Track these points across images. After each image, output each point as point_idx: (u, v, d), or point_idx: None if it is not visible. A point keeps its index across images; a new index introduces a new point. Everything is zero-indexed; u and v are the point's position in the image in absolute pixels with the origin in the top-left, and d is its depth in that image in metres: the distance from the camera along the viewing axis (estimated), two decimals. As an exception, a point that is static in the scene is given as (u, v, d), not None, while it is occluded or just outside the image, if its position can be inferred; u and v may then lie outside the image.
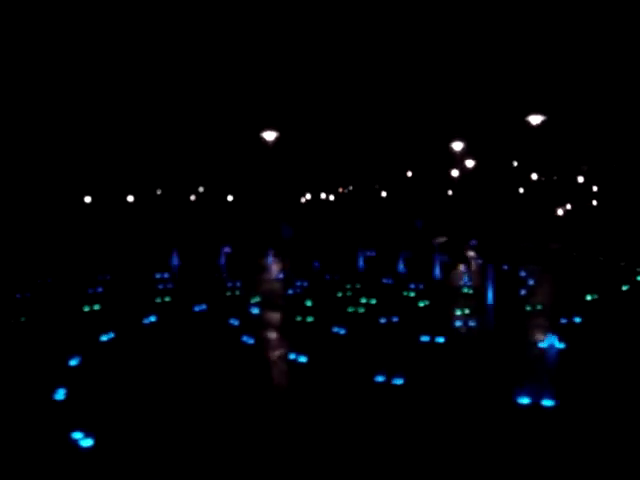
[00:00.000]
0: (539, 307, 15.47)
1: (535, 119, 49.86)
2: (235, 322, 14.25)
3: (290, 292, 18.29)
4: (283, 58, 70.33)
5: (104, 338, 12.89)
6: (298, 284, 19.30)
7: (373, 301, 16.48)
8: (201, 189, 78.95)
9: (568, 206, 58.14)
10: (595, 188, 68.57)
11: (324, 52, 71.52)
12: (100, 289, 18.79)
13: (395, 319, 14.34)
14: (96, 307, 16.04)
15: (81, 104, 64.98)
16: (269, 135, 56.44)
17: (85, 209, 62.14)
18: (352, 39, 72.79)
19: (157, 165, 72.27)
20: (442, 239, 33.66)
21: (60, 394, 9.35)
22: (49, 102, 62.05)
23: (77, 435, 7.83)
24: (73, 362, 11.07)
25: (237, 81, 70.79)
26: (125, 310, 15.70)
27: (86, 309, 15.88)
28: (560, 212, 52.96)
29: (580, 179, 71.54)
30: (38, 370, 10.71)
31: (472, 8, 68.79)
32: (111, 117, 67.58)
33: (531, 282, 19.20)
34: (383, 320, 14.27)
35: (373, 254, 26.13)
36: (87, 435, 7.83)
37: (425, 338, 12.51)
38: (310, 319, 14.49)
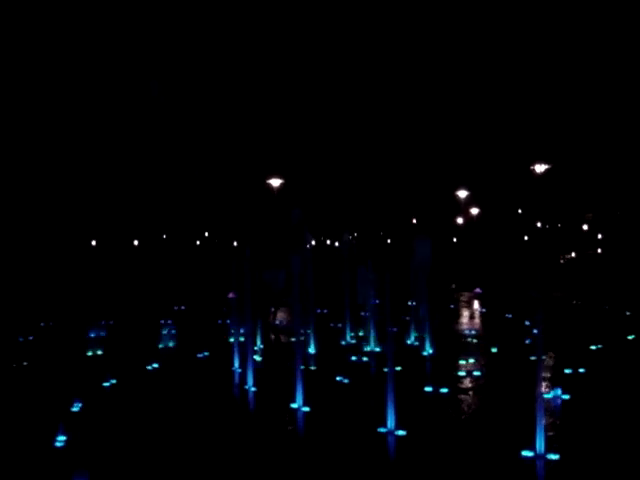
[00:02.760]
0: (543, 357, 15.39)
1: (540, 167, 50.20)
2: (238, 369, 14.21)
3: (293, 339, 18.21)
4: (289, 106, 71.00)
5: (106, 384, 12.85)
6: (302, 331, 19.24)
7: (377, 349, 16.42)
8: (206, 234, 79.17)
9: (573, 254, 58.13)
10: (600, 236, 68.61)
11: (328, 101, 72.23)
12: (103, 333, 18.76)
13: (398, 368, 14.27)
14: (99, 352, 16.01)
15: (89, 147, 65.50)
16: (274, 182, 56.78)
17: (90, 252, 62.28)
18: (356, 87, 73.53)
19: (163, 210, 72.57)
20: (450, 286, 33.63)
21: (60, 441, 9.30)
22: (53, 141, 62.53)
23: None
24: (75, 408, 11.03)
25: (243, 128, 71.41)
26: (128, 356, 15.66)
27: (89, 354, 15.85)
28: (564, 259, 52.94)
29: (585, 227, 71.62)
30: (39, 415, 10.67)
31: (478, 56, 69.54)
32: (119, 161, 68.08)
33: (535, 331, 19.13)
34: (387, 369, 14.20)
35: (376, 302, 26.06)
36: (87, 483, 7.77)
37: (429, 388, 12.44)
38: (313, 367, 14.43)
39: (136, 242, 71.87)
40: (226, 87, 71.29)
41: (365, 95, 73.41)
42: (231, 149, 72.17)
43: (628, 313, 21.48)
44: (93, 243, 67.64)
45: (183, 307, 24.98)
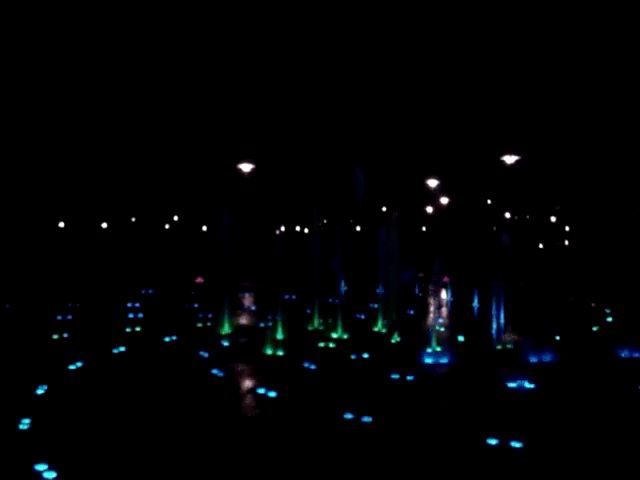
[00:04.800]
0: (509, 346, 15.51)
1: (510, 159, 50.50)
2: (205, 354, 14.17)
3: (262, 325, 18.23)
4: (260, 92, 70.68)
5: (72, 367, 12.75)
6: (270, 317, 19.24)
7: (345, 336, 16.46)
8: (176, 218, 78.74)
9: (540, 245, 58.62)
10: (567, 228, 69.26)
11: (299, 85, 72.00)
12: (70, 317, 18.62)
13: (366, 355, 14.32)
14: (65, 335, 15.88)
15: (56, 128, 64.73)
16: (245, 167, 56.56)
17: (58, 234, 61.68)
18: (326, 73, 73.33)
19: (132, 193, 72.04)
20: (418, 275, 33.72)
21: (25, 424, 9.22)
22: (21, 125, 61.73)
23: (41, 466, 7.72)
24: (39, 391, 10.94)
25: (216, 112, 70.98)
26: (94, 339, 15.55)
27: (55, 337, 15.72)
28: (532, 250, 53.36)
29: (552, 219, 72.23)
30: (3, 398, 10.56)
31: (448, 48, 69.70)
32: (87, 142, 67.38)
33: (503, 320, 19.28)
34: (354, 356, 14.25)
35: (346, 289, 26.10)
36: (51, 467, 7.71)
37: (395, 375, 12.49)
38: (281, 353, 14.44)
39: (104, 225, 71.31)
40: (197, 69, 70.79)
41: (336, 81, 73.27)
42: (202, 133, 71.73)
43: (593, 304, 21.72)
44: (61, 225, 66.99)
45: (151, 291, 24.84)
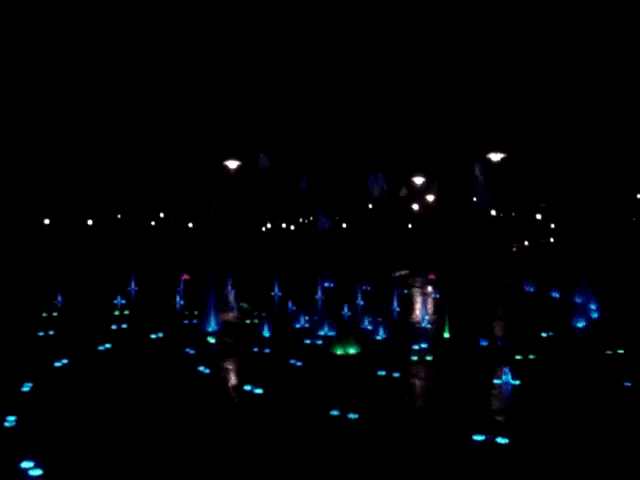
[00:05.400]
0: (496, 343, 15.58)
1: (495, 156, 50.67)
2: (191, 351, 14.16)
3: (248, 322, 18.24)
4: (247, 86, 70.54)
5: (58, 364, 12.72)
6: (256, 314, 19.24)
7: (331, 333, 16.47)
8: (161, 215, 78.53)
9: (526, 242, 58.84)
10: (552, 225, 69.51)
11: (285, 82, 71.94)
12: (55, 314, 18.55)
13: (352, 352, 14.34)
14: (50, 332, 15.82)
15: (40, 124, 64.38)
16: (231, 163, 56.49)
17: (43, 231, 61.38)
18: (313, 75, 73.33)
19: (118, 190, 71.78)
20: (403, 272, 33.82)
21: (10, 421, 9.19)
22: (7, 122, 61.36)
23: (27, 464, 7.69)
24: (25, 388, 10.91)
25: (201, 108, 70.80)
26: (80, 336, 15.50)
27: (40, 334, 15.66)
28: (516, 247, 53.57)
29: (538, 216, 72.48)
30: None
31: (435, 45, 69.80)
32: (73, 138, 67.06)
33: (489, 317, 19.36)
34: (340, 352, 14.27)
35: (332, 285, 26.12)
36: (37, 464, 7.69)
37: (381, 372, 12.52)
38: (267, 350, 14.45)
39: (90, 222, 70.99)
40: (183, 65, 70.59)
41: (322, 77, 73.27)
42: (188, 129, 71.55)
43: (578, 301, 21.81)
44: (46, 222, 66.66)
45: (137, 288, 24.77)
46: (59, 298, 20.83)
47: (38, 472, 7.54)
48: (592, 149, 62.75)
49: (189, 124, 71.29)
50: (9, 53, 60.92)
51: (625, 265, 36.20)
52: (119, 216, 74.72)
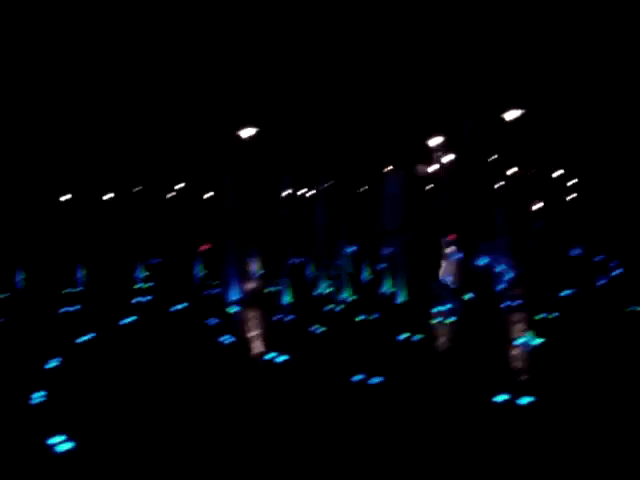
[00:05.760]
0: (517, 303, 15.54)
1: (511, 114, 50.12)
2: (213, 321, 14.26)
3: (269, 290, 18.31)
4: (255, 62, 69.96)
5: (83, 339, 12.84)
6: (278, 281, 19.30)
7: (351, 299, 16.51)
8: (178, 186, 78.49)
9: (545, 200, 58.35)
10: (572, 182, 68.88)
11: (296, 54, 71.27)
12: (79, 289, 18.72)
13: (373, 317, 14.38)
14: (75, 307, 15.97)
15: (51, 98, 64.22)
16: (246, 132, 56.20)
17: (61, 208, 61.59)
18: (324, 41, 72.57)
19: (133, 163, 71.72)
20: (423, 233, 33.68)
21: (38, 397, 9.31)
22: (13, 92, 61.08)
23: (56, 439, 7.80)
24: (52, 364, 11.03)
25: (213, 76, 70.36)
26: (103, 311, 15.63)
27: (65, 309, 15.80)
28: (537, 206, 53.15)
29: (557, 173, 71.80)
30: (15, 372, 10.65)
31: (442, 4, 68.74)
32: (86, 113, 66.93)
33: (508, 277, 19.30)
34: (361, 317, 14.31)
35: (354, 249, 26.08)
36: (67, 439, 7.79)
37: (403, 336, 12.55)
38: (289, 317, 14.51)
39: (108, 196, 71.07)
40: (193, 31, 70.07)
41: (330, 47, 72.59)
42: (201, 98, 71.23)
43: (599, 259, 21.71)
44: (65, 198, 66.83)
45: (157, 260, 24.90)
46: (80, 274, 20.98)
47: (68, 446, 7.64)
48: (610, 103, 61.91)
49: (202, 93, 70.91)
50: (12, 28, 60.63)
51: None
52: (136, 189, 74.76)
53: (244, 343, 12.51)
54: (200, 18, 66.98)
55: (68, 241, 33.58)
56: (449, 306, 15.25)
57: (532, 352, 11.39)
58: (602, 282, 17.95)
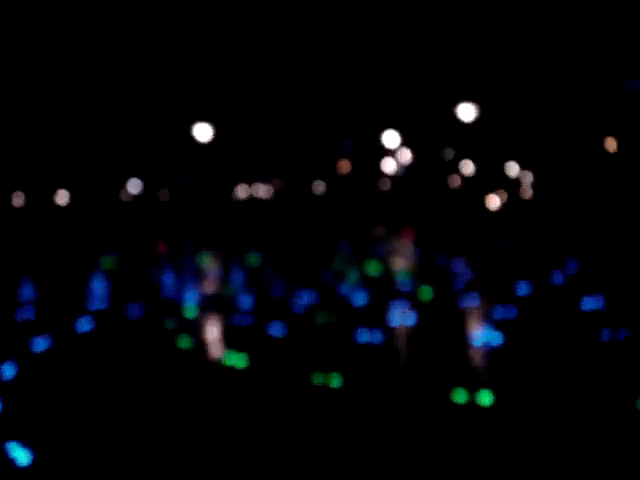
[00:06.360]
0: (474, 300, 15.67)
1: (466, 109, 50.59)
2: (171, 325, 14.15)
3: (227, 292, 18.24)
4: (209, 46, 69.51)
5: (38, 347, 12.65)
6: (235, 283, 19.23)
7: (311, 301, 16.50)
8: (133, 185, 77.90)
9: (502, 197, 59.03)
10: (528, 179, 69.68)
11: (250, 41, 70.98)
12: (33, 294, 18.45)
13: (333, 318, 14.38)
14: (29, 315, 15.72)
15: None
16: (200, 128, 55.89)
17: (12, 208, 60.77)
18: (291, 27, 72.34)
19: (84, 161, 70.92)
20: (380, 230, 33.87)
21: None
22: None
23: (15, 451, 7.66)
24: (6, 372, 10.85)
25: (167, 68, 69.82)
26: (58, 317, 15.42)
27: (18, 317, 15.56)
28: (494, 203, 53.76)
29: (513, 169, 72.60)
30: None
31: None
32: (34, 103, 65.88)
33: (467, 276, 19.47)
34: (320, 320, 14.30)
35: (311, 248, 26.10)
36: (24, 450, 7.66)
37: (362, 337, 12.56)
38: (248, 320, 14.46)
39: (59, 198, 70.26)
40: (149, 21, 69.33)
41: (300, 27, 72.39)
42: (155, 91, 70.59)
43: (554, 256, 21.99)
44: (15, 199, 65.89)
45: (114, 262, 24.64)
46: (31, 283, 20.69)
47: (26, 458, 7.52)
48: (567, 96, 62.73)
49: (154, 85, 70.20)
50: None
51: (604, 216, 36.49)
52: (87, 188, 73.98)
53: (202, 347, 12.43)
54: (159, 12, 66.28)
55: (19, 247, 33.10)
56: (408, 306, 15.32)
57: (491, 351, 11.48)
58: (558, 279, 18.17)
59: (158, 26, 67.10)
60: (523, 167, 69.95)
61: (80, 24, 64.41)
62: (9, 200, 63.68)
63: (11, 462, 7.51)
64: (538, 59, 62.05)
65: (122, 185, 76.87)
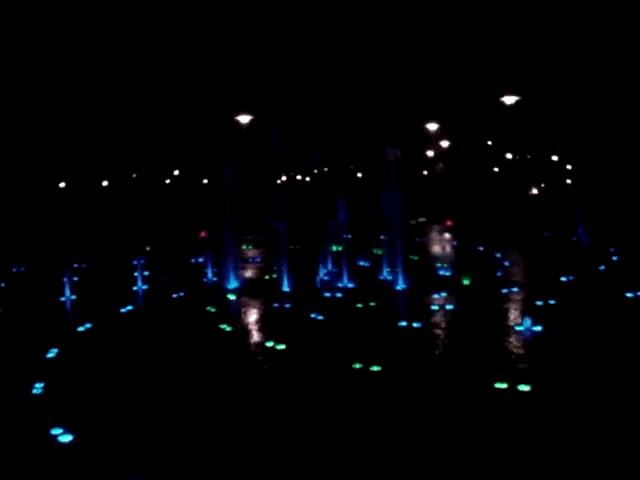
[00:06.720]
0: (515, 289, 15.57)
1: (509, 99, 50.07)
2: (212, 309, 14.26)
3: (267, 277, 18.31)
4: (257, 42, 69.80)
5: (81, 329, 12.83)
6: (275, 268, 19.29)
7: (350, 285, 16.51)
8: (176, 172, 78.55)
9: (542, 185, 58.47)
10: (569, 167, 68.98)
11: (296, 35, 71.07)
12: (76, 278, 18.68)
13: (372, 304, 14.38)
14: (73, 297, 15.94)
15: (52, 85, 64.10)
16: (243, 118, 56.15)
17: (59, 194, 61.61)
18: (325, 23, 72.33)
19: (131, 149, 71.64)
20: (420, 220, 33.75)
21: (38, 388, 9.30)
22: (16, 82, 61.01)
23: (56, 431, 7.80)
24: (50, 354, 11.02)
25: (211, 62, 70.21)
26: (102, 299, 15.62)
27: (62, 299, 15.78)
28: (534, 191, 53.25)
29: (554, 158, 71.89)
30: (15, 363, 10.65)
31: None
32: (85, 99, 66.79)
33: (507, 263, 19.33)
34: (360, 305, 14.31)
35: (349, 236, 26.05)
36: (66, 430, 7.80)
37: (402, 323, 12.56)
38: (288, 305, 14.51)
39: (105, 183, 71.17)
40: (192, 19, 69.83)
41: (334, 27, 72.33)
42: (199, 84, 71.04)
43: (597, 244, 21.74)
44: (61, 185, 66.85)
45: (155, 247, 24.87)
46: (79, 263, 20.97)
47: (68, 438, 7.64)
48: (608, 87, 61.82)
49: (200, 78, 70.69)
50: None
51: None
52: (134, 175, 74.79)
53: (243, 331, 12.51)
54: (199, 12, 66.56)
55: (66, 229, 33.52)
56: (448, 292, 15.27)
57: (532, 339, 11.40)
58: (601, 268, 17.94)
59: (205, 28, 67.55)
60: (565, 157, 69.15)
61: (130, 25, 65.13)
62: (55, 186, 64.60)
63: (53, 441, 7.65)
64: (583, 55, 61.25)
65: (167, 173, 77.52)
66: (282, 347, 11.13)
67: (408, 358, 10.40)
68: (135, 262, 21.01)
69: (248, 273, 19.39)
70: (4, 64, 57.67)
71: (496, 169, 70.79)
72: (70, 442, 7.56)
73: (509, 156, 68.26)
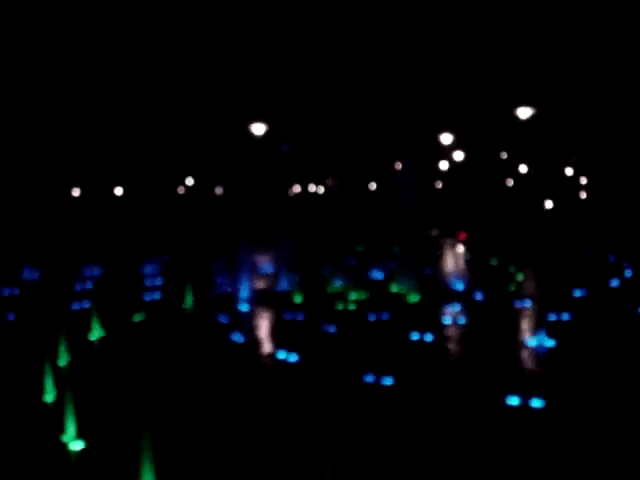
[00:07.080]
0: (528, 303, 15.50)
1: (524, 112, 50.08)
2: (224, 320, 14.26)
3: (280, 289, 18.30)
4: (270, 51, 69.96)
5: (93, 337, 12.87)
6: (287, 280, 19.26)
7: (363, 297, 16.49)
8: (189, 182, 78.75)
9: (556, 199, 58.29)
10: (584, 180, 68.78)
11: (310, 43, 71.18)
12: (89, 286, 18.73)
13: (384, 316, 14.35)
14: (85, 305, 15.98)
15: (67, 93, 64.42)
16: (257, 127, 56.27)
17: (72, 202, 61.90)
18: (338, 29, 72.39)
19: (144, 158, 71.88)
20: (434, 232, 33.69)
21: (50, 395, 9.33)
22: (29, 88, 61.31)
23: (68, 437, 7.81)
24: (62, 362, 11.05)
25: (224, 72, 70.40)
26: (114, 308, 15.65)
27: (75, 307, 15.83)
28: (549, 204, 53.11)
29: (569, 171, 71.70)
30: (27, 370, 10.67)
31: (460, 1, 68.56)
32: (100, 108, 67.08)
33: (520, 277, 19.24)
34: (372, 317, 14.29)
35: (361, 248, 26.06)
36: (78, 437, 7.81)
37: (414, 336, 12.52)
38: (300, 317, 14.50)
39: (119, 191, 71.43)
40: (205, 28, 70.07)
41: (346, 36, 72.41)
42: (212, 93, 71.24)
43: (612, 258, 21.62)
44: (75, 194, 67.14)
45: (168, 257, 24.93)
46: (91, 270, 21.04)
47: (79, 445, 7.65)
48: (622, 100, 61.66)
49: (213, 88, 70.89)
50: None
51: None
52: (147, 184, 74.99)
53: (254, 342, 12.51)
54: (210, 18, 66.79)
55: (78, 236, 33.65)
56: (461, 306, 15.22)
57: (545, 354, 11.35)
58: (615, 283, 17.83)
59: (219, 33, 67.77)
60: (579, 170, 68.95)
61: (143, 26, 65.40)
62: (69, 193, 64.88)
63: (67, 446, 7.66)
64: (599, 68, 61.14)
65: (179, 182, 77.68)
66: (294, 359, 11.12)
67: (420, 372, 10.36)
68: (148, 271, 21.05)
69: (260, 284, 19.41)
70: (23, 74, 58.08)
71: (510, 182, 70.65)
72: (81, 450, 7.58)
73: (524, 169, 68.12)
